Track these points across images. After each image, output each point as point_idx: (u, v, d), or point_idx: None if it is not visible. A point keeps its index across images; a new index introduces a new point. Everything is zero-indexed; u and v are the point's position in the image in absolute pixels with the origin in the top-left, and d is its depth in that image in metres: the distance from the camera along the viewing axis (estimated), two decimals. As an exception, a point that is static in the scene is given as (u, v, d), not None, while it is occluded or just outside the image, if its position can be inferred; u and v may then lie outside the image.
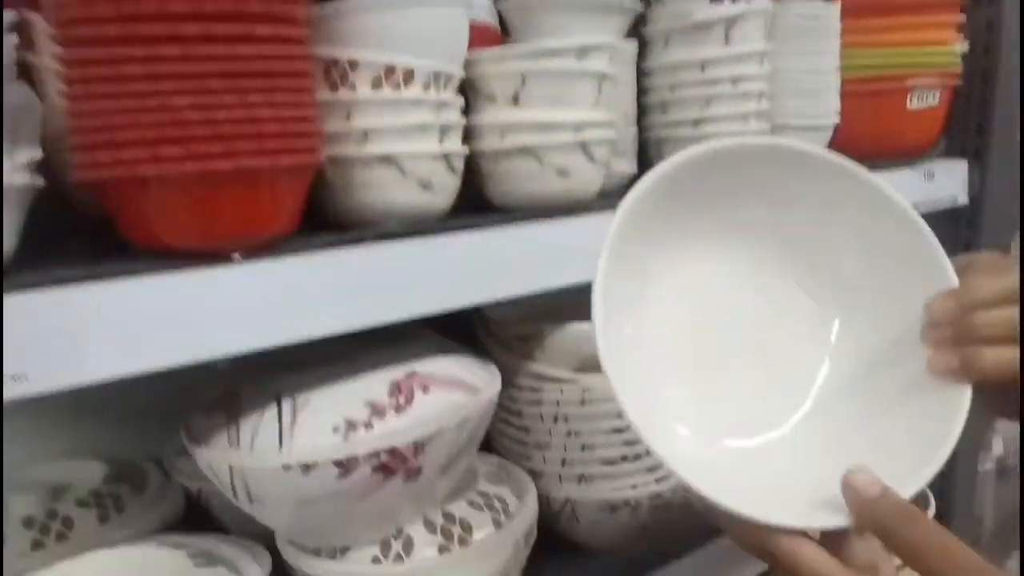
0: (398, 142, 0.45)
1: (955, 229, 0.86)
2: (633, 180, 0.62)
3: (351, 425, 0.47)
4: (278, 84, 0.38)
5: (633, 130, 0.62)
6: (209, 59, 0.36)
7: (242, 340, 0.40)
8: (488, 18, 0.55)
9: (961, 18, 0.73)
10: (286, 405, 0.48)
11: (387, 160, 0.45)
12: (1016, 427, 1.20)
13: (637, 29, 0.61)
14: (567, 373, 0.58)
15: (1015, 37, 0.79)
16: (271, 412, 0.48)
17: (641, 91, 0.63)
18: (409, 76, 0.45)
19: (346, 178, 0.46)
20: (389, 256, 0.44)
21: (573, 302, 0.67)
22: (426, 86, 0.45)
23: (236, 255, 0.40)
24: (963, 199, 0.81)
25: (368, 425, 0.47)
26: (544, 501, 0.62)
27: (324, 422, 0.47)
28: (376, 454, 0.46)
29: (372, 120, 0.44)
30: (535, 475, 0.62)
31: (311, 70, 0.42)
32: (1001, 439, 1.18)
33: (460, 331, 0.61)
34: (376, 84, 0.44)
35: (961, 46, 0.74)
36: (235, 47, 0.36)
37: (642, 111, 0.63)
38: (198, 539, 0.57)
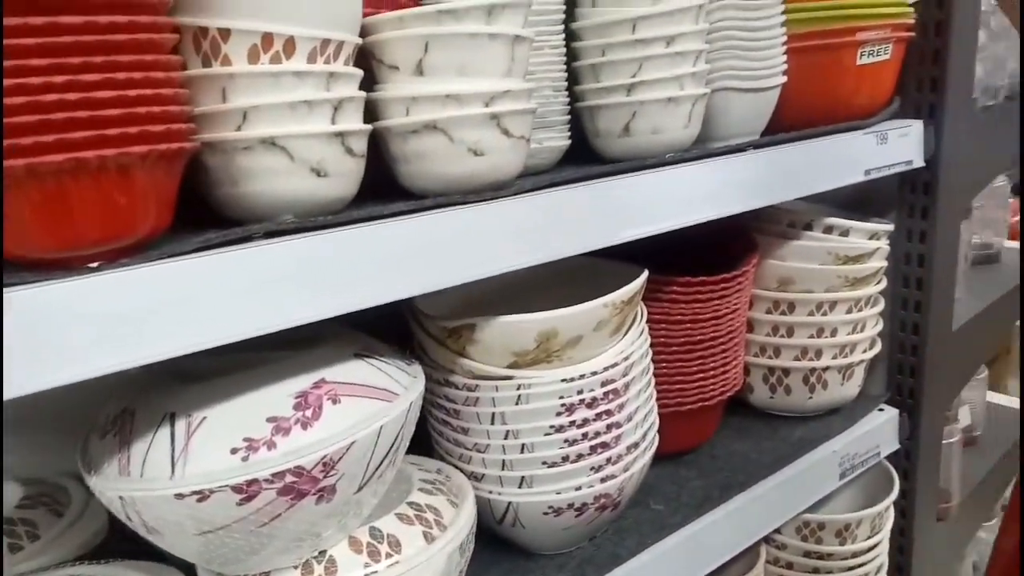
0: (282, 122, 0.39)
1: (911, 194, 0.82)
2: (565, 154, 0.58)
3: (251, 445, 0.42)
4: (121, 59, 0.33)
5: (563, 98, 0.57)
6: (31, 31, 0.30)
7: (107, 360, 0.34)
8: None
9: (912, -35, 0.70)
10: (179, 425, 0.43)
11: (271, 143, 0.39)
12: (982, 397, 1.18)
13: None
14: (502, 369, 0.53)
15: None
16: (163, 433, 0.43)
17: (571, 55, 0.58)
18: (290, 46, 0.39)
19: (228, 166, 0.40)
20: (282, 254, 0.39)
21: (504, 292, 0.62)
22: (311, 56, 0.40)
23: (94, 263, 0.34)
24: (919, 162, 0.77)
25: (270, 444, 0.42)
26: (486, 505, 0.57)
27: (221, 443, 0.42)
28: (280, 475, 0.41)
29: (250, 98, 0.39)
30: (475, 478, 0.57)
31: (166, 41, 0.36)
32: (968, 410, 1.16)
33: (397, 326, 0.56)
34: (253, 56, 0.39)
35: (912, -5, 0.70)
36: (59, 17, 0.31)
37: (573, 77, 0.58)
38: (110, 568, 0.52)
